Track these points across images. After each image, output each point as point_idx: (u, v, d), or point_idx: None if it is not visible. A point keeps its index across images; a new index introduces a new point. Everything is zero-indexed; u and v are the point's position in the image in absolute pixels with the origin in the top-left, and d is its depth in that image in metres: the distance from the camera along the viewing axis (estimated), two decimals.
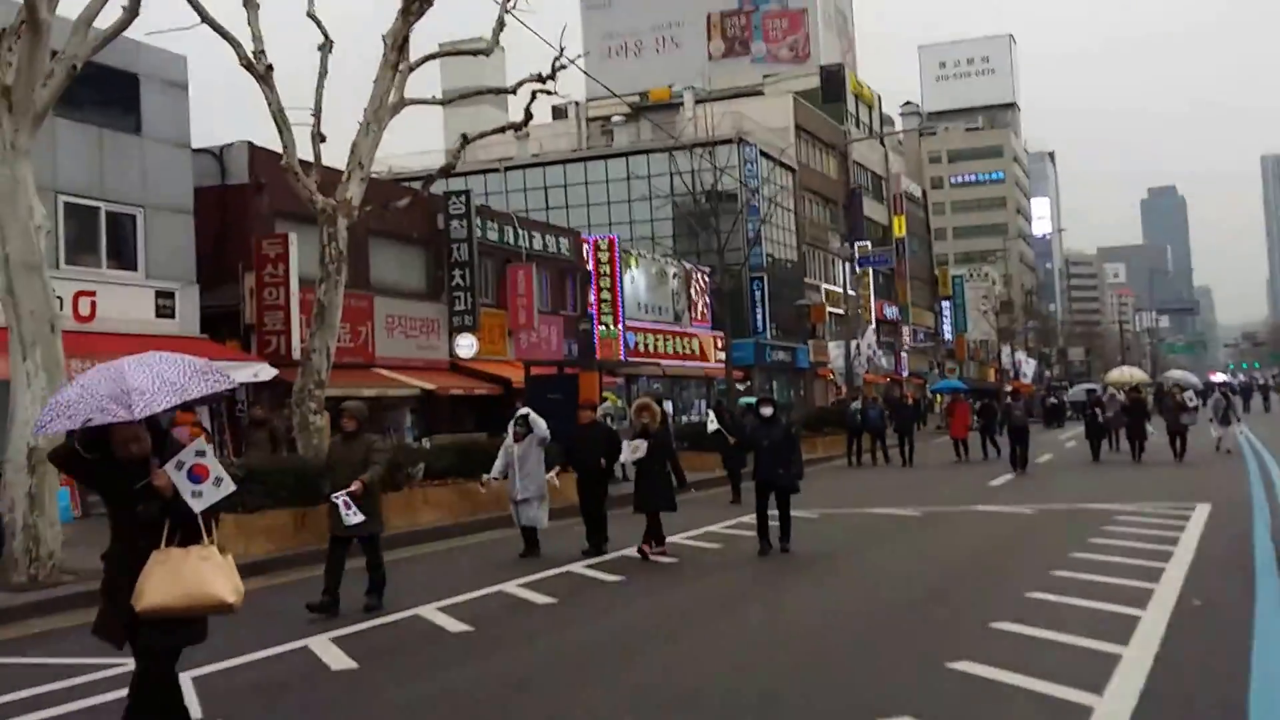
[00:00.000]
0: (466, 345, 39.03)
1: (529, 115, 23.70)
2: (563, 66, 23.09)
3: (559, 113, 79.18)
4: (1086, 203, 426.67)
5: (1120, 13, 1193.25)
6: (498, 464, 17.76)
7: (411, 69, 22.63)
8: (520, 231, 43.41)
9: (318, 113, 22.15)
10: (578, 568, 15.73)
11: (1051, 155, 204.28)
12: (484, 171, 66.96)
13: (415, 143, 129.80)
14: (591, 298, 47.78)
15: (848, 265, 60.50)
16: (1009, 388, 67.32)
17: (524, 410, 18.07)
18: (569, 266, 46.85)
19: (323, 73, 22.52)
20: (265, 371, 27.31)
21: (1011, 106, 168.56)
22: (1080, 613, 10.96)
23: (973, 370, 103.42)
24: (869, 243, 73.97)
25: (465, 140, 23.59)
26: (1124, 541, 15.65)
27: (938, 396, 72.33)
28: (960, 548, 17.38)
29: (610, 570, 15.50)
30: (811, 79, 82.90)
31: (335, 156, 23.38)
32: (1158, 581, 12.41)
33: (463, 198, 39.36)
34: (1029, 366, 71.90)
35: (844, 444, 40.04)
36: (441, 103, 23.19)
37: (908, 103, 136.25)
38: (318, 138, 22.38)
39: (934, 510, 21.97)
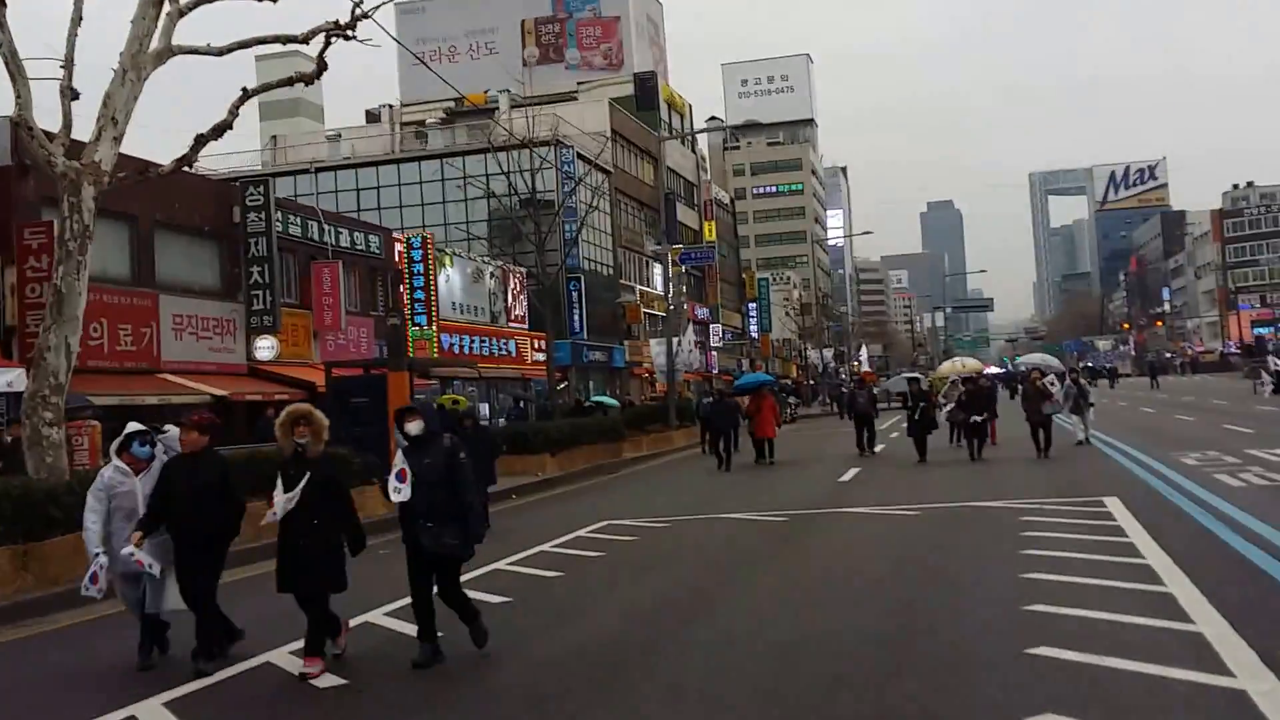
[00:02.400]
0: (266, 347, 34.04)
1: (323, 65, 18.95)
2: (364, 15, 18.47)
3: (372, 116, 73.93)
4: (873, 214, 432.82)
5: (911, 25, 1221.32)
6: (92, 527, 9.61)
7: (182, 13, 17.80)
8: (326, 227, 38.42)
9: (69, 63, 17.03)
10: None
11: (844, 170, 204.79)
12: (293, 173, 61.50)
13: (228, 143, 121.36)
14: (404, 298, 43.01)
15: (662, 267, 56.41)
16: (856, 376, 63.76)
17: (134, 427, 10.00)
18: (380, 265, 41.99)
19: (76, 17, 17.36)
20: (21, 380, 22.02)
21: (809, 122, 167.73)
22: (1124, 630, 8.49)
23: (777, 367, 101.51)
24: (682, 246, 70.49)
25: (245, 94, 18.74)
26: (1066, 539, 12.98)
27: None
28: (872, 558, 13.58)
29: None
30: (625, 86, 78.99)
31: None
32: (1163, 584, 10.10)
33: (261, 188, 34.18)
34: (863, 355, 69.37)
35: (670, 440, 36.51)
36: (216, 53, 18.18)
37: (713, 117, 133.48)
38: (68, 93, 17.22)
39: (798, 514, 18.12)
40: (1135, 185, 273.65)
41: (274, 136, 71.15)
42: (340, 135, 67.91)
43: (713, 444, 31.10)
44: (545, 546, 15.68)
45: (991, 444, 28.20)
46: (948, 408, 28.83)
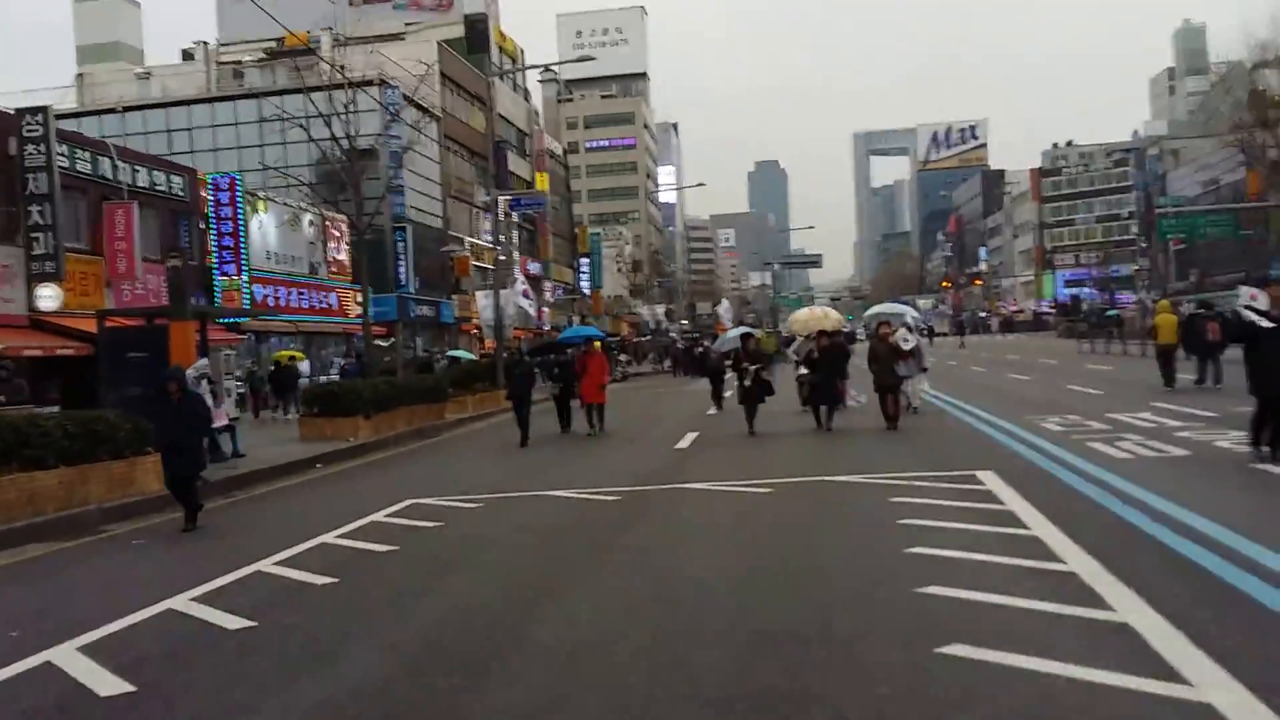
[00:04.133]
0: (48, 296, 30.06)
1: None
2: None
3: (187, 55, 68.50)
4: (702, 173, 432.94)
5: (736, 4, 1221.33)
6: None
7: None
8: (120, 164, 34.23)
9: None
10: None
11: (675, 126, 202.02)
12: (100, 113, 56.25)
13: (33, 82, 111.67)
14: (211, 244, 38.99)
15: (494, 217, 52.97)
16: (714, 333, 60.34)
17: None
18: (183, 208, 37.88)
19: None
20: None
21: (642, 76, 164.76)
22: (1042, 620, 7.10)
23: (607, 324, 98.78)
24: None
25: None
26: (955, 529, 10.38)
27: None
28: (727, 547, 10.85)
29: None
30: (455, 28, 74.67)
31: None
32: (1065, 563, 8.66)
33: (39, 116, 29.89)
34: (725, 312, 66.60)
35: (498, 400, 33.59)
36: None
37: (546, 68, 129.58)
38: None
39: (633, 490, 15.10)
40: (956, 145, 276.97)
41: (79, 74, 65.09)
42: (150, 74, 62.57)
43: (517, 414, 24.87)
44: (328, 537, 12.54)
45: (842, 408, 24.03)
46: (800, 368, 24.92)
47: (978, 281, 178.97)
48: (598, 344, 27.74)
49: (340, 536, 12.55)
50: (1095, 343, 56.05)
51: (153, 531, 14.37)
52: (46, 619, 9.30)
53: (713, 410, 29.65)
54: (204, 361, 18.96)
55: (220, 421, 20.50)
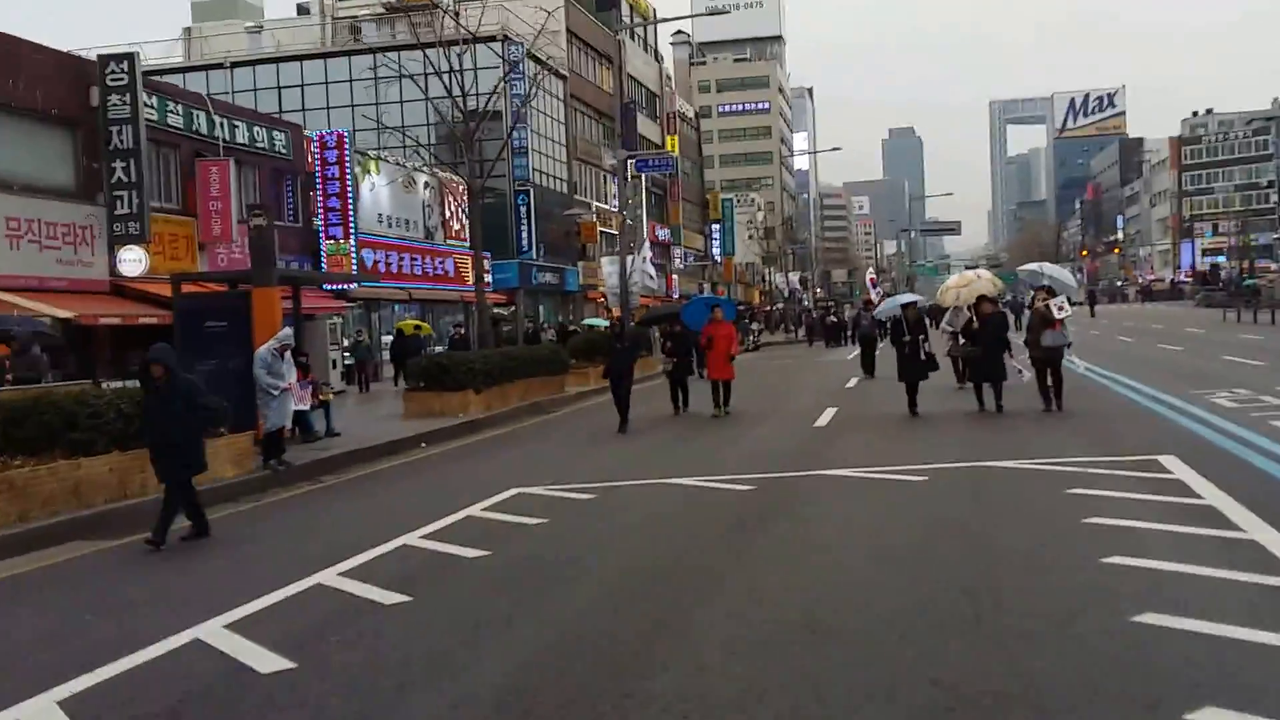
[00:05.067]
0: (132, 260, 27.35)
1: None
2: None
3: (302, 9, 65.92)
4: (836, 139, 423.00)
5: None
6: None
7: None
8: (217, 118, 31.45)
9: None
10: None
11: (810, 91, 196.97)
12: (206, 68, 53.82)
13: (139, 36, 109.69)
14: (317, 206, 36.15)
15: (618, 176, 49.39)
16: (863, 300, 56.55)
17: None
18: (287, 167, 35.04)
19: None
20: None
21: (777, 39, 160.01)
22: None
23: (739, 292, 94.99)
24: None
25: None
26: (1137, 516, 9.07)
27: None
28: (887, 555, 8.81)
29: None
30: None
31: None
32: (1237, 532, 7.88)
33: (124, 64, 27.05)
34: (879, 288, 63.52)
35: None
36: None
37: (678, 31, 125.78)
38: None
39: (768, 478, 12.84)
40: (1094, 113, 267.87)
41: (186, 28, 62.59)
42: (262, 28, 59.96)
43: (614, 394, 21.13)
44: (411, 537, 10.35)
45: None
46: (946, 338, 22.06)
47: (1117, 250, 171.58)
48: (719, 312, 22.76)
49: (426, 537, 10.38)
50: (1235, 312, 54.91)
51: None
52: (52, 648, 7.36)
53: (852, 382, 27.73)
54: (287, 331, 16.22)
55: (304, 404, 17.91)
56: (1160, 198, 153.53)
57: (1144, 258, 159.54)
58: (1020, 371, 19.35)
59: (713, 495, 11.91)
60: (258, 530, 12.00)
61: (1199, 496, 9.86)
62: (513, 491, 12.73)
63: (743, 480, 12.57)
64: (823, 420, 19.30)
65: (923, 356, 19.65)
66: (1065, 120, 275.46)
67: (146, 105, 27.69)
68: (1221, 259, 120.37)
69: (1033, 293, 21.73)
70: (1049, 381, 18.34)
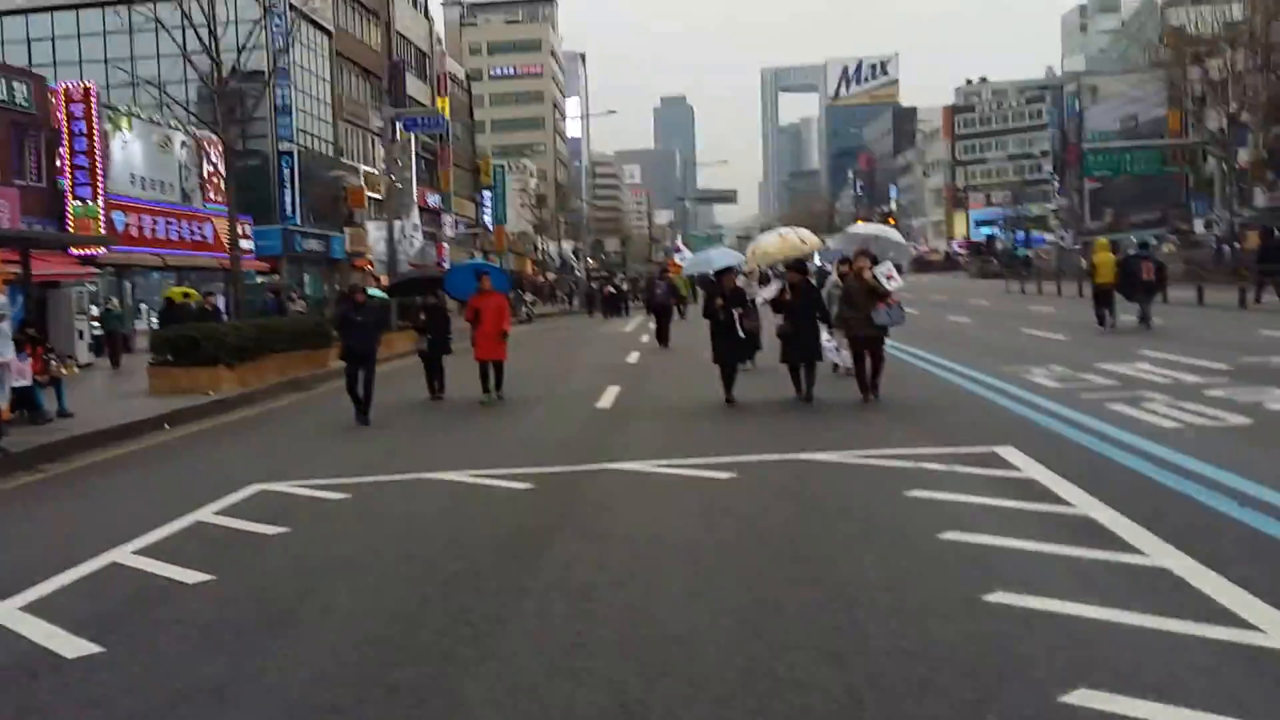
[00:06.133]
0: None
1: None
2: None
3: None
4: (607, 107, 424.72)
5: None
6: None
7: None
8: None
9: None
10: None
11: (583, 56, 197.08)
12: None
13: None
14: (64, 165, 34.56)
15: (388, 140, 48.67)
16: (660, 268, 55.75)
17: None
18: (28, 122, 33.38)
19: None
20: None
21: (549, 1, 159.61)
22: None
23: (511, 261, 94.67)
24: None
25: None
26: (994, 530, 7.78)
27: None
28: (706, 574, 7.15)
29: None
30: None
31: None
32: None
33: None
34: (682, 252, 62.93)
35: (390, 344, 29.25)
36: None
37: None
38: None
39: (550, 472, 11.34)
40: (867, 81, 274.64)
41: None
42: None
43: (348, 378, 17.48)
44: (121, 553, 8.56)
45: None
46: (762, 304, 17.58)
47: (891, 221, 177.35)
48: (488, 280, 19.65)
49: (140, 552, 8.59)
50: (1011, 283, 57.39)
51: None
52: None
53: (633, 357, 26.79)
54: (1, 300, 14.95)
55: (23, 379, 16.51)
56: (934, 167, 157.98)
57: (917, 229, 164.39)
58: (839, 349, 18.08)
59: (486, 495, 10.46)
60: None
61: (1063, 500, 8.55)
62: (255, 489, 11.19)
63: (519, 476, 11.01)
64: (605, 402, 17.82)
65: (741, 334, 16.74)
66: (838, 88, 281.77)
67: None
68: (995, 231, 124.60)
69: (834, 261, 19.56)
70: (867, 364, 15.86)
